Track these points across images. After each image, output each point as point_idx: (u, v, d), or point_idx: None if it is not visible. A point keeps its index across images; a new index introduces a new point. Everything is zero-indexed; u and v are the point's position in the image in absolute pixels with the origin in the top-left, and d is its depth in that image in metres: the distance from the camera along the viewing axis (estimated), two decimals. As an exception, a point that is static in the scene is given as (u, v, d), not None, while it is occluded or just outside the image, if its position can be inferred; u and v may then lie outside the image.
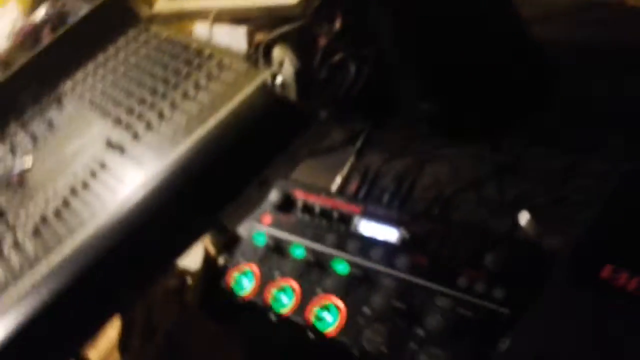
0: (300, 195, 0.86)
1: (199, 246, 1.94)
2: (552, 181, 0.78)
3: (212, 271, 1.07)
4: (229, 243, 0.95)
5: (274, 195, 0.88)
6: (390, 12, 0.85)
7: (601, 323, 0.58)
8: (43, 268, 0.91)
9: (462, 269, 0.69)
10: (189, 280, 1.70)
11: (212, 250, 1.45)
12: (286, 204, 0.86)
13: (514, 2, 0.86)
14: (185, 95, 1.10)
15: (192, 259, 1.86)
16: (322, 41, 1.05)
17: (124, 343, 1.57)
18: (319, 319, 0.72)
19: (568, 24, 0.97)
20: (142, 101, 1.14)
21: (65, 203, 0.99)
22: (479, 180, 0.83)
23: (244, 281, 0.81)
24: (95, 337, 1.01)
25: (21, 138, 1.22)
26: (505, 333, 0.62)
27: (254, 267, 0.81)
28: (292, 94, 1.02)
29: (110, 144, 1.06)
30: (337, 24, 1.03)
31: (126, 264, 0.94)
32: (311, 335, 0.72)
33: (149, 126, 1.07)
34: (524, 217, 0.72)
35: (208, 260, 1.69)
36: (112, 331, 2.03)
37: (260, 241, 0.84)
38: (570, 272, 0.62)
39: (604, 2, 0.97)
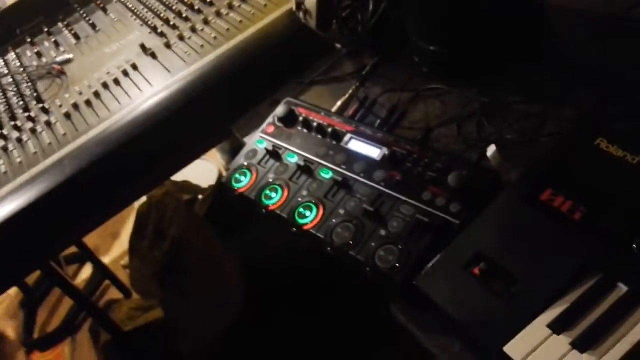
0: (302, 112, 0.96)
1: (212, 167, 2.08)
2: (527, 125, 0.86)
3: (221, 189, 1.18)
4: (236, 150, 1.06)
5: (279, 110, 0.98)
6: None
7: (535, 234, 0.67)
8: (70, 147, 1.04)
9: (427, 185, 0.79)
10: (200, 196, 1.83)
11: (223, 171, 1.57)
12: (289, 118, 0.96)
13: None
14: (217, 14, 1.20)
15: (206, 178, 2.00)
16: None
17: (134, 246, 1.71)
18: (301, 214, 0.83)
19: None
20: (178, 14, 1.24)
21: (97, 94, 1.11)
22: (462, 117, 0.91)
23: (242, 178, 0.92)
24: (104, 221, 1.13)
25: (66, 36, 1.34)
26: (451, 239, 0.72)
27: (252, 168, 0.92)
28: (312, 22, 1.11)
29: (144, 49, 1.17)
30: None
31: (144, 155, 1.07)
32: (292, 228, 0.83)
33: (181, 37, 1.18)
34: (490, 149, 0.81)
35: (220, 180, 1.82)
36: (124, 238, 2.20)
37: (261, 146, 0.94)
38: (515, 194, 0.72)
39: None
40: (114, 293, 1.94)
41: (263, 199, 0.88)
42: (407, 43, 1.04)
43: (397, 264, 0.73)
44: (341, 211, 0.81)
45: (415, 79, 1.02)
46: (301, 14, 1.12)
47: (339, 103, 1.00)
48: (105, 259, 2.06)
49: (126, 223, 2.04)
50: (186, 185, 1.79)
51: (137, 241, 1.70)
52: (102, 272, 1.94)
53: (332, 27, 1.12)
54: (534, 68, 0.93)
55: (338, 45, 1.13)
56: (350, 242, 0.78)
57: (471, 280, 0.67)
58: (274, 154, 0.92)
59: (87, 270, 2.03)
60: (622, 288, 0.60)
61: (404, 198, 0.79)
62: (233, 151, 1.13)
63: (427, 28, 0.98)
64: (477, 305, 0.65)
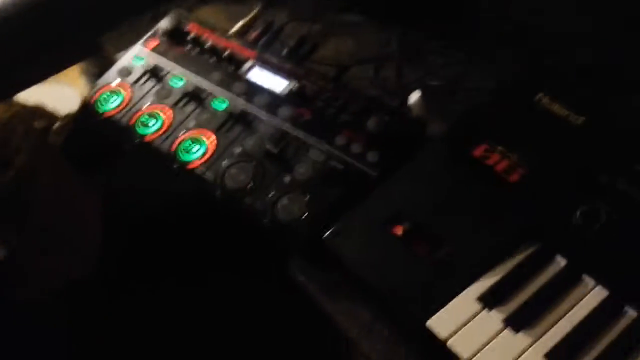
0: (194, 29, 0.80)
1: (75, 93, 1.81)
2: (451, 74, 0.77)
3: (84, 117, 0.98)
4: (104, 69, 0.87)
5: (165, 22, 0.80)
6: None
7: (466, 194, 0.58)
8: None
9: (341, 129, 0.67)
10: (57, 124, 1.57)
11: (89, 97, 1.34)
12: (177, 34, 0.79)
13: None
14: None
15: (65, 105, 1.73)
16: None
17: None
18: (186, 150, 0.68)
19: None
20: None
21: None
22: (380, 59, 0.80)
23: (111, 99, 0.74)
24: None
25: None
26: (369, 193, 0.61)
27: (126, 88, 0.75)
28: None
29: None
30: None
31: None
32: (174, 165, 0.68)
33: None
34: (414, 96, 0.71)
35: (83, 106, 1.56)
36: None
37: (139, 64, 0.77)
38: (445, 146, 0.62)
39: None
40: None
41: (138, 127, 0.71)
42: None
43: (303, 216, 0.61)
44: (237, 150, 0.67)
45: (327, 10, 0.89)
46: None
47: (239, 24, 0.85)
48: None
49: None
50: (40, 111, 1.52)
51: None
52: None
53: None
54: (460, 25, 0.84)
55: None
56: (247, 187, 0.64)
57: (391, 240, 0.56)
58: (155, 73, 0.75)
59: None
60: (561, 261, 0.53)
61: (314, 141, 0.66)
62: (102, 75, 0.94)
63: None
64: (396, 270, 0.55)
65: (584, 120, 0.59)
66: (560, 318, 0.50)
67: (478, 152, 0.60)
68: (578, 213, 0.54)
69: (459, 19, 0.84)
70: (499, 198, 0.57)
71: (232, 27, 0.87)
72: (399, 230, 0.57)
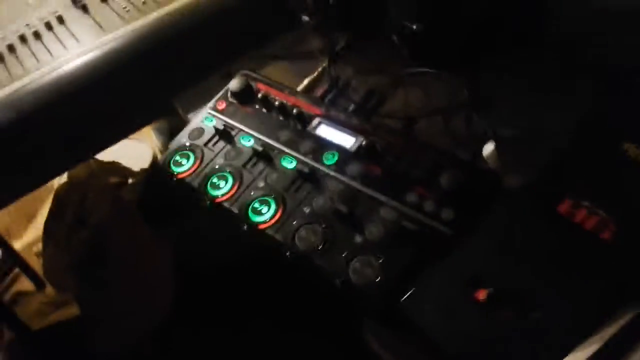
0: (261, 88, 0.81)
1: (147, 149, 1.87)
2: (522, 120, 0.73)
3: (156, 173, 1.00)
4: (177, 131, 0.89)
5: (234, 83, 0.82)
6: None
7: (553, 254, 0.54)
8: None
9: (413, 186, 0.65)
10: (130, 180, 1.63)
11: (159, 154, 1.37)
12: (245, 94, 0.80)
13: None
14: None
15: (138, 161, 1.79)
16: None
17: (50, 232, 1.50)
18: (256, 210, 0.68)
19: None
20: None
21: (12, 49, 0.91)
22: (449, 109, 0.78)
23: (183, 161, 0.75)
24: (11, 200, 0.94)
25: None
26: (446, 254, 0.58)
27: (197, 150, 0.76)
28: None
29: (74, 1, 0.98)
30: None
31: (62, 126, 0.88)
32: (244, 225, 0.68)
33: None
34: (487, 148, 0.68)
35: (155, 163, 1.61)
36: (39, 221, 1.95)
37: (210, 125, 0.78)
38: (527, 202, 0.59)
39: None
40: (24, 284, 1.71)
41: (209, 189, 0.71)
42: (385, 19, 0.90)
43: (377, 280, 0.59)
44: (306, 210, 0.66)
45: (393, 62, 0.88)
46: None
47: (306, 81, 0.85)
48: (17, 244, 1.82)
49: (44, 204, 1.81)
50: (114, 167, 1.58)
51: (53, 226, 1.48)
52: (12, 258, 1.70)
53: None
54: (529, 53, 0.81)
55: (305, 18, 0.98)
56: (318, 248, 0.63)
57: (473, 306, 0.53)
58: (225, 134, 0.76)
59: (-6, 258, 1.79)
60: (665, 329, 0.48)
61: (385, 199, 0.64)
62: (172, 133, 0.96)
63: (410, 2, 0.84)
64: (481, 340, 0.52)
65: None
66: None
67: (564, 207, 0.56)
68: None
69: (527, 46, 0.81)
70: (590, 257, 0.53)
71: (299, 82, 0.88)
72: (482, 295, 0.53)
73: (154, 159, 1.75)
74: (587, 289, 0.51)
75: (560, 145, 0.62)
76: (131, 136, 1.07)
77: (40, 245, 1.67)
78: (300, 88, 0.84)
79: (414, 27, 0.84)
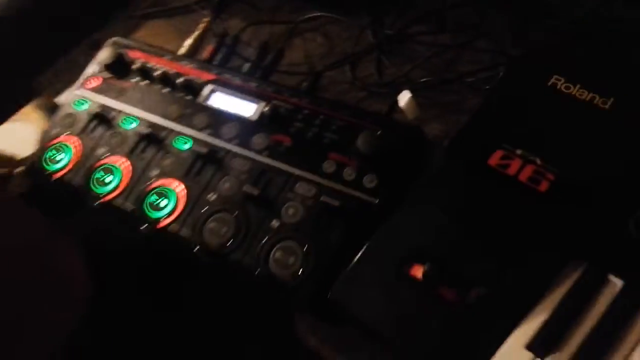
0: (138, 56, 0.69)
1: (33, 130, 1.67)
2: (437, 63, 0.67)
3: (34, 179, 0.86)
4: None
5: (104, 55, 0.69)
6: None
7: (489, 216, 0.49)
8: None
9: (328, 152, 0.57)
10: (18, 169, 1.45)
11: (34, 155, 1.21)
12: (119, 66, 0.68)
13: None
14: None
15: (24, 145, 1.60)
16: None
17: None
18: (153, 205, 0.58)
19: None
20: None
21: None
22: (356, 56, 0.71)
23: (58, 156, 0.63)
24: None
25: None
26: (374, 226, 0.52)
27: (73, 141, 0.64)
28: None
29: None
30: None
31: None
32: (142, 226, 0.58)
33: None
34: (404, 97, 0.61)
35: (31, 167, 1.42)
36: None
37: (82, 109, 0.66)
38: (453, 158, 0.53)
39: None
40: None
41: (94, 186, 0.60)
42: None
43: (301, 268, 0.52)
44: (212, 197, 0.57)
45: (286, 7, 0.78)
46: None
47: (188, 42, 0.74)
48: None
49: None
50: (-3, 158, 1.40)
51: None
52: None
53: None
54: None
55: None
56: (231, 240, 0.55)
57: (410, 285, 0.47)
58: (102, 118, 0.64)
59: None
60: (617, 283, 0.45)
61: (299, 172, 0.57)
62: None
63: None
64: (421, 322, 0.46)
65: (613, 103, 0.50)
66: (630, 354, 0.42)
67: (494, 159, 0.51)
68: (632, 221, 0.45)
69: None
70: (529, 215, 0.48)
71: (181, 42, 0.77)
72: (418, 272, 0.47)
73: (29, 163, 1.57)
74: (528, 253, 0.46)
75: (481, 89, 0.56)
76: (12, 119, 0.92)
77: None
78: (182, 51, 0.73)
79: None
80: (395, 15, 0.73)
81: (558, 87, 0.52)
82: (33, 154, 0.69)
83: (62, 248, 1.25)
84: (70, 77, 0.75)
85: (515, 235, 0.47)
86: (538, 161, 0.49)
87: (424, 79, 0.66)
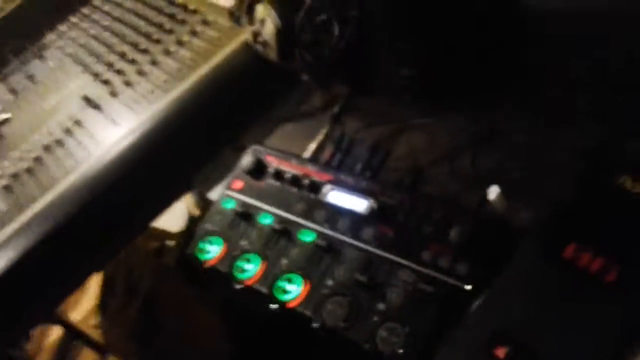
0: (272, 161, 0.85)
1: (181, 208, 1.93)
2: (526, 155, 0.75)
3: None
4: (204, 208, 0.94)
5: (245, 160, 0.86)
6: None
7: (564, 303, 0.56)
8: (14, 225, 0.90)
9: (427, 243, 0.67)
10: (169, 242, 1.69)
11: (194, 211, 1.44)
12: (257, 170, 0.84)
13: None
14: (166, 52, 1.07)
15: (173, 221, 1.85)
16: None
17: (104, 304, 1.57)
18: (282, 289, 0.71)
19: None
20: (122, 56, 1.11)
21: (38, 160, 0.98)
22: (453, 152, 0.81)
23: (210, 247, 0.79)
24: (69, 295, 1.00)
25: (2, 91, 1.20)
26: (466, 309, 0.61)
27: (221, 234, 0.80)
28: (273, 54, 0.99)
29: (87, 100, 1.04)
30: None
31: (98, 223, 0.94)
32: (273, 306, 0.71)
33: (127, 83, 1.05)
34: (493, 192, 0.70)
35: (190, 222, 1.67)
36: (92, 292, 2.04)
37: (229, 207, 0.82)
38: (533, 250, 0.61)
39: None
40: (87, 356, 1.79)
41: (237, 273, 0.75)
42: (380, 69, 0.93)
43: (404, 347, 0.62)
44: (329, 283, 0.70)
45: (394, 110, 0.91)
46: (259, 46, 1.01)
47: (312, 146, 0.89)
48: (73, 318, 1.90)
49: (92, 276, 1.88)
50: (152, 232, 1.65)
51: (107, 299, 1.56)
52: (71, 332, 1.79)
53: (295, 57, 1.00)
54: (527, 85, 0.83)
55: (305, 77, 1.02)
56: (345, 320, 0.66)
57: (495, 365, 0.56)
58: (245, 215, 0.80)
59: (55, 332, 1.87)
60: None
61: (400, 261, 0.68)
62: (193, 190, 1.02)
63: (406, 51, 0.86)
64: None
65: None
66: None
67: (568, 252, 0.58)
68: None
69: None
70: (599, 302, 0.55)
71: (306, 143, 0.91)
72: (501, 353, 0.56)
73: (190, 217, 1.81)
74: (599, 336, 0.53)
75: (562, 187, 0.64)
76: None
77: (96, 318, 1.75)
78: (307, 153, 0.88)
79: (408, 72, 0.87)
80: (492, 109, 0.82)
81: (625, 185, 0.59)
82: (183, 232, 0.86)
83: (204, 308, 1.43)
84: (219, 174, 0.93)
85: (587, 320, 0.54)
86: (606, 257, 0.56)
87: (512, 172, 0.74)
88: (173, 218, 1.75)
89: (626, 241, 0.56)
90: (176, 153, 0.97)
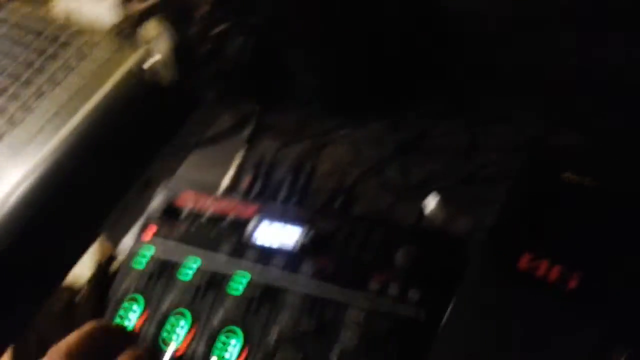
0: (187, 200, 0.76)
1: (87, 258, 1.76)
2: (457, 158, 0.71)
3: (103, 282, 0.94)
4: (114, 259, 0.84)
5: (157, 202, 0.77)
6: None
7: (523, 320, 0.52)
8: None
9: (371, 271, 0.62)
10: (78, 298, 1.54)
11: (103, 259, 1.30)
12: (172, 211, 0.75)
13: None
14: (51, 81, 0.95)
15: (78, 272, 1.68)
16: (202, 10, 0.91)
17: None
18: (221, 351, 0.63)
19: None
20: (2, 91, 0.97)
21: None
22: (381, 163, 0.75)
23: (129, 313, 0.69)
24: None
25: None
26: (424, 337, 0.56)
27: (139, 294, 0.70)
28: (171, 74, 0.90)
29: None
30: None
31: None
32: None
33: (11, 122, 0.92)
34: (432, 201, 0.65)
35: (100, 276, 1.51)
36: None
37: (145, 260, 0.72)
38: (485, 265, 0.57)
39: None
40: None
41: (166, 336, 0.66)
42: (291, 81, 0.86)
43: (366, 394, 0.56)
44: (273, 337, 0.62)
45: (311, 123, 0.84)
46: (155, 66, 0.91)
47: (229, 174, 0.81)
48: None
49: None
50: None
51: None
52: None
53: (195, 75, 0.92)
54: (448, 86, 0.79)
55: (209, 97, 0.93)
56: (298, 375, 0.59)
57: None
58: (163, 268, 0.71)
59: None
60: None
61: (347, 294, 0.61)
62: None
63: (316, 59, 0.80)
64: None
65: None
66: None
67: (523, 263, 0.54)
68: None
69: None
70: (564, 312, 0.51)
71: (221, 169, 0.83)
72: (471, 386, 0.51)
73: (98, 264, 1.66)
74: (572, 347, 0.49)
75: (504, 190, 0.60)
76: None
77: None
78: (224, 184, 0.80)
79: (319, 82, 0.81)
80: (413, 115, 0.78)
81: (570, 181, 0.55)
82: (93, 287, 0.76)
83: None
84: (128, 218, 0.83)
85: (554, 333, 0.50)
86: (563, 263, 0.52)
87: (447, 177, 0.70)
88: (77, 269, 1.60)
89: (583, 241, 0.53)
90: (77, 198, 0.86)
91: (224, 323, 0.64)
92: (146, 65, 0.91)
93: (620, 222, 0.53)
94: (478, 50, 0.75)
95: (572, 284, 0.51)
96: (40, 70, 0.97)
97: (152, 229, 0.75)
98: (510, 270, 0.54)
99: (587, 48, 0.70)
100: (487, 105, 0.72)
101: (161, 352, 0.65)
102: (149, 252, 0.73)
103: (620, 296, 0.50)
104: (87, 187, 0.88)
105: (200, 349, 0.64)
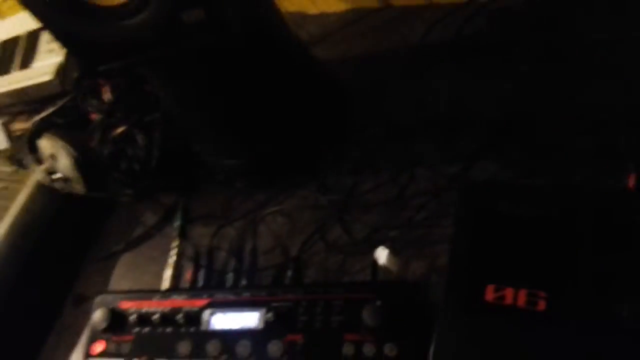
0: (130, 306, 0.72)
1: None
2: (393, 207, 0.73)
3: None
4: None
5: (97, 316, 0.71)
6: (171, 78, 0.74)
7: (504, 348, 0.54)
8: None
9: (342, 336, 0.61)
10: None
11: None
12: (116, 322, 0.70)
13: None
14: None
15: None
16: (96, 117, 0.89)
17: None
18: None
19: (346, 40, 0.93)
20: None
21: None
22: (322, 227, 0.76)
23: None
24: None
25: None
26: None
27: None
28: (79, 187, 0.86)
29: None
30: (107, 94, 0.88)
31: None
32: None
33: None
34: (382, 254, 0.66)
35: None
36: None
37: (97, 383, 0.67)
38: (453, 305, 0.58)
39: (372, 8, 0.95)
40: None
41: None
42: (208, 164, 0.85)
43: None
44: None
45: (238, 200, 0.84)
46: (58, 183, 0.87)
47: (168, 272, 0.77)
48: None
49: None
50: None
51: None
52: None
53: (105, 182, 0.88)
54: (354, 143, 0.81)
55: (124, 198, 0.89)
56: None
57: None
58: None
59: None
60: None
61: (324, 369, 0.60)
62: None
63: (224, 142, 0.80)
64: None
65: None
66: None
67: (489, 295, 0.56)
68: (623, 309, 0.51)
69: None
70: (537, 335, 0.53)
71: (156, 269, 0.80)
72: None
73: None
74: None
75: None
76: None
77: None
78: (166, 283, 0.76)
79: (233, 162, 0.81)
80: (335, 173, 0.79)
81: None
82: None
83: None
84: (66, 338, 0.78)
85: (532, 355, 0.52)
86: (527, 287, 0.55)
87: (389, 231, 0.71)
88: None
89: (536, 264, 0.56)
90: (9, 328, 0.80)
91: None
92: (49, 183, 0.87)
93: (564, 242, 0.56)
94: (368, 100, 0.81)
95: (541, 305, 0.54)
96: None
97: (100, 344, 0.70)
98: (478, 304, 0.56)
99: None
100: (400, 149, 0.75)
101: None
102: (100, 370, 0.68)
103: (588, 309, 0.52)
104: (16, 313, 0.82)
105: None
